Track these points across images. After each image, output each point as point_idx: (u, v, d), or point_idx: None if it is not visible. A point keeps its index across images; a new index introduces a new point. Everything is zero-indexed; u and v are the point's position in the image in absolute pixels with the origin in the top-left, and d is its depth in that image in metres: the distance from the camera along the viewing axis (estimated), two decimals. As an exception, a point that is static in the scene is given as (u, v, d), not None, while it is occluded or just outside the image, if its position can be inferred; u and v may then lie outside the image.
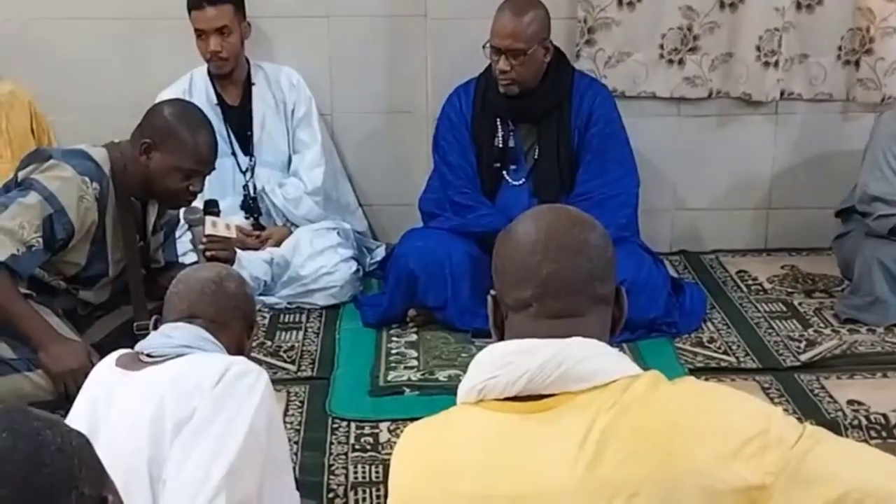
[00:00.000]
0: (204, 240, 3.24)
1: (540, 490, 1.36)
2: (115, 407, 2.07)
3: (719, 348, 3.56)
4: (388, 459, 1.61)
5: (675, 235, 4.44)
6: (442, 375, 3.39)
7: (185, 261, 3.39)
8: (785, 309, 3.86)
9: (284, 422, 2.94)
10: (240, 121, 4.14)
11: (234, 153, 4.12)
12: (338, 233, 4.07)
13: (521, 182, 3.80)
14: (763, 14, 4.12)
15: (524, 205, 3.48)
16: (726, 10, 4.16)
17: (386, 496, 1.55)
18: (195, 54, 4.03)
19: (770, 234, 4.44)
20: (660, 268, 3.75)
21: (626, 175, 3.79)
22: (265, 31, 4.30)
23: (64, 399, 2.72)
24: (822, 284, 4.06)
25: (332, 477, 2.85)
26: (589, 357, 1.42)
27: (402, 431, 1.60)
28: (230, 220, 3.50)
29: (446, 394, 2.78)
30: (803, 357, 3.48)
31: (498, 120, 3.80)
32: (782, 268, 4.24)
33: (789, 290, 4.03)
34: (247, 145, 4.15)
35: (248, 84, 4.15)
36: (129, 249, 3.06)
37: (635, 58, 4.21)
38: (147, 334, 2.24)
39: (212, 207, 3.39)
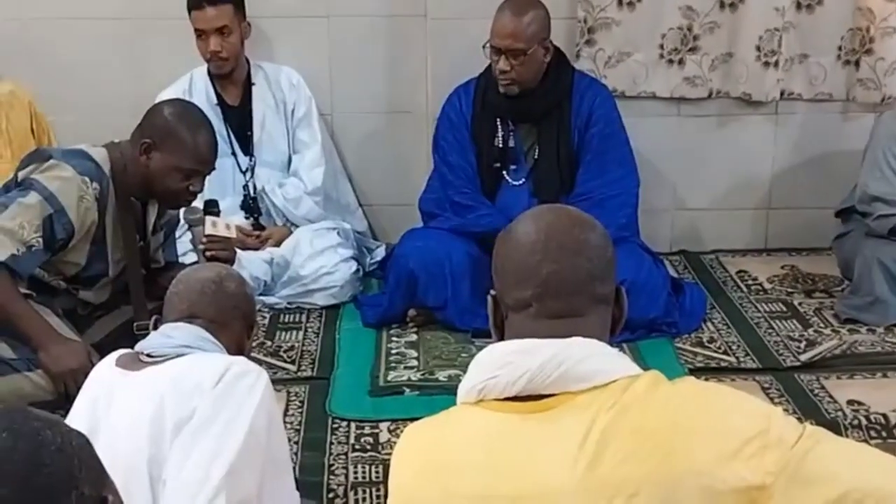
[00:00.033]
0: (204, 240, 3.24)
1: (540, 490, 1.36)
2: (115, 407, 2.07)
3: (719, 348, 3.56)
4: (388, 459, 1.61)
5: (675, 235, 4.44)
6: (442, 375, 3.39)
7: (185, 261, 3.39)
8: (785, 309, 3.86)
9: (284, 422, 2.94)
10: (240, 121, 4.14)
11: (234, 153, 4.12)
12: (338, 233, 4.07)
13: (521, 182, 3.80)
14: (763, 14, 4.12)
15: (524, 205, 3.48)
16: (726, 9, 4.16)
17: (386, 496, 1.55)
18: (195, 54, 4.03)
19: (770, 234, 4.44)
20: (660, 268, 3.75)
21: (626, 175, 3.79)
22: (265, 31, 4.30)
23: (64, 399, 2.71)
24: (822, 284, 4.06)
25: (332, 477, 2.85)
26: (589, 357, 1.42)
27: (402, 431, 1.60)
28: (230, 220, 3.50)
29: (446, 394, 2.78)
30: (803, 357, 3.48)
31: (498, 120, 3.80)
32: (782, 268, 4.24)
33: (789, 290, 4.03)
34: (247, 145, 4.15)
35: (248, 84, 4.15)
36: (129, 249, 3.06)
37: (635, 58, 4.21)
38: (147, 334, 2.24)
39: (212, 207, 3.39)
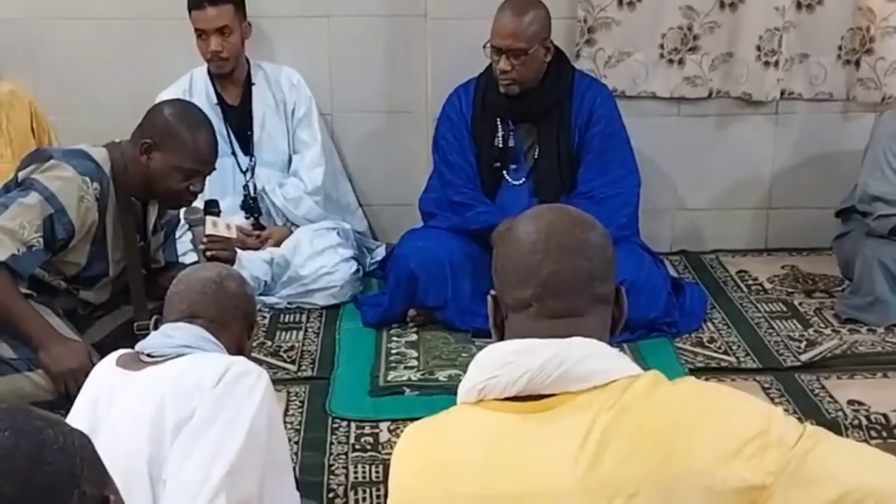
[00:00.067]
0: (204, 240, 3.25)
1: (540, 490, 1.36)
2: (115, 407, 2.07)
3: (719, 348, 3.56)
4: (389, 459, 1.61)
5: (676, 235, 4.44)
6: (442, 375, 3.39)
7: (185, 261, 3.39)
8: (785, 309, 3.86)
9: (285, 422, 2.94)
10: (240, 121, 4.14)
11: (234, 153, 4.12)
12: (338, 233, 4.07)
13: (521, 182, 3.80)
14: (763, 14, 4.12)
15: (524, 204, 3.49)
16: (726, 9, 4.16)
17: (386, 496, 1.55)
18: (195, 54, 4.03)
19: (770, 233, 4.44)
20: (660, 268, 3.75)
21: (627, 174, 3.79)
22: (265, 31, 4.30)
23: (64, 399, 2.72)
24: (822, 284, 4.06)
25: (332, 477, 2.85)
26: (589, 357, 1.42)
27: (402, 431, 1.60)
28: (230, 220, 3.51)
29: (446, 394, 2.78)
30: (804, 357, 3.48)
31: (498, 120, 3.79)
32: (783, 268, 4.24)
33: (789, 290, 4.03)
34: (247, 145, 4.15)
35: (248, 84, 4.15)
36: (130, 249, 3.06)
37: (635, 57, 4.21)
38: (147, 334, 2.24)
39: (212, 207, 3.39)
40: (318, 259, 3.93)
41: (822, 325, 3.71)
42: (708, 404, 1.38)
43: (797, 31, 4.18)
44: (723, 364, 3.46)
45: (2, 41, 4.21)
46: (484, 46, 3.67)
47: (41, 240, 2.84)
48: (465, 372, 1.50)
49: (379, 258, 4.16)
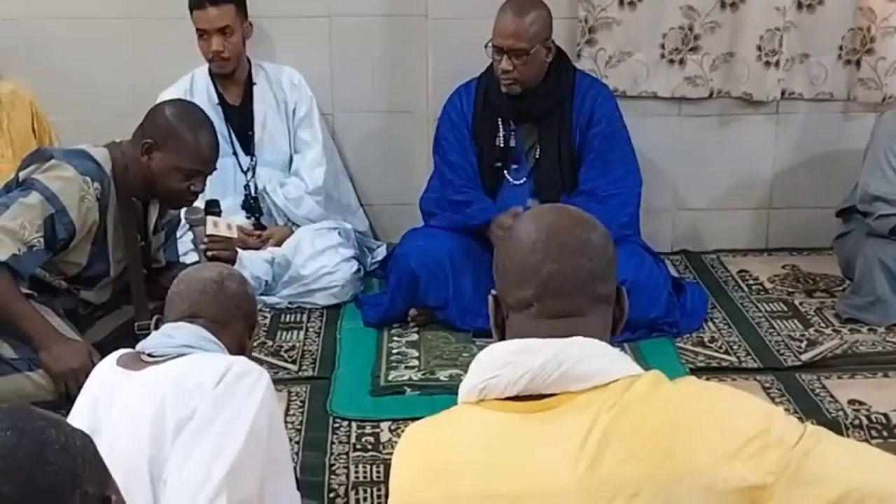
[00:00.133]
0: (205, 240, 3.25)
1: (541, 490, 1.36)
2: (115, 407, 2.07)
3: (720, 348, 3.56)
4: (389, 459, 1.60)
5: (676, 235, 4.44)
6: (443, 375, 3.39)
7: (186, 261, 3.39)
8: (786, 309, 3.86)
9: (285, 422, 2.94)
10: (241, 120, 4.14)
11: (235, 153, 4.12)
12: (339, 232, 4.07)
13: (522, 182, 3.80)
14: (764, 14, 4.12)
15: (525, 204, 3.49)
16: (727, 9, 4.16)
17: (387, 496, 1.55)
18: (196, 54, 4.03)
19: (771, 233, 4.44)
20: (661, 267, 3.75)
21: (629, 174, 3.79)
22: (266, 31, 4.30)
23: (65, 399, 2.72)
24: (823, 284, 4.06)
25: (333, 477, 2.85)
26: (590, 357, 1.42)
27: (402, 431, 1.60)
28: (231, 220, 3.51)
29: (447, 393, 2.78)
30: (804, 357, 3.48)
31: (499, 119, 3.80)
32: (783, 267, 4.24)
33: (790, 289, 4.03)
34: (248, 145, 4.15)
35: (249, 84, 4.15)
36: (131, 249, 3.06)
37: (636, 57, 4.21)
38: (148, 334, 2.24)
39: (213, 207, 3.39)
40: (319, 259, 3.93)
41: (822, 324, 3.71)
42: (709, 404, 1.38)
43: (798, 31, 4.18)
44: (724, 364, 3.46)
45: (2, 41, 4.21)
46: (486, 46, 3.68)
47: (42, 240, 2.84)
48: (465, 372, 1.50)
49: (380, 258, 4.16)
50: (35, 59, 4.26)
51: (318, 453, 2.94)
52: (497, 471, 1.39)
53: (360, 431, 3.07)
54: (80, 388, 2.20)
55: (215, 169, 3.12)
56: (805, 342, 3.58)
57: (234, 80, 4.12)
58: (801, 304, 3.90)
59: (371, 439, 3.02)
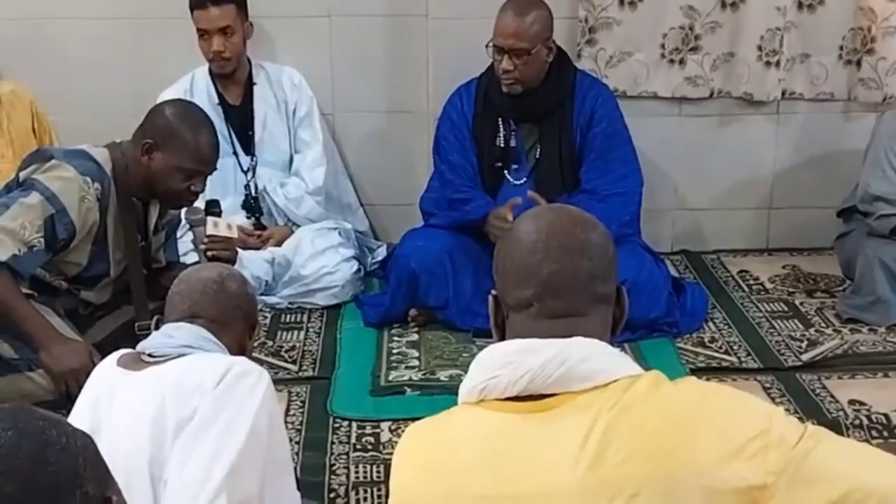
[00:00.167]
0: (205, 240, 3.24)
1: (541, 490, 1.36)
2: (116, 407, 2.07)
3: (720, 348, 3.56)
4: (390, 459, 1.60)
5: (677, 235, 4.44)
6: (443, 375, 3.39)
7: (186, 261, 3.39)
8: (786, 309, 3.86)
9: (286, 422, 2.94)
10: (241, 120, 4.14)
11: (235, 153, 4.12)
12: (339, 232, 4.07)
13: (522, 181, 3.80)
14: (764, 14, 4.12)
15: (525, 204, 3.49)
16: (727, 9, 4.16)
17: (387, 496, 1.55)
18: (196, 54, 4.03)
19: (771, 233, 4.44)
20: (661, 267, 3.75)
21: (630, 174, 3.79)
22: (267, 31, 4.30)
23: (65, 399, 2.72)
24: (823, 284, 4.06)
25: (333, 477, 2.85)
26: (590, 357, 1.42)
27: (403, 431, 1.60)
28: (231, 220, 3.50)
29: (447, 393, 2.78)
30: (805, 357, 3.48)
31: (500, 119, 3.80)
32: (784, 267, 4.24)
33: (791, 289, 4.03)
34: (248, 145, 4.15)
35: (249, 84, 4.15)
36: (131, 249, 3.06)
37: (636, 57, 4.21)
38: (148, 334, 2.24)
39: (213, 207, 3.39)
40: (320, 259, 3.93)
41: (823, 324, 3.71)
42: (709, 404, 1.38)
43: (798, 31, 4.18)
44: (724, 364, 3.46)
45: (2, 41, 4.21)
46: (486, 46, 3.68)
47: (42, 240, 2.84)
48: (466, 372, 1.50)
49: (380, 258, 4.16)
50: (35, 60, 4.26)
51: (318, 453, 2.94)
52: (497, 471, 1.39)
53: (360, 431, 3.07)
54: (80, 388, 2.20)
55: (215, 169, 3.12)
56: (805, 342, 3.58)
57: (235, 80, 4.12)
58: (801, 304, 3.90)
59: (371, 439, 3.02)
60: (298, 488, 2.24)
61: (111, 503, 1.24)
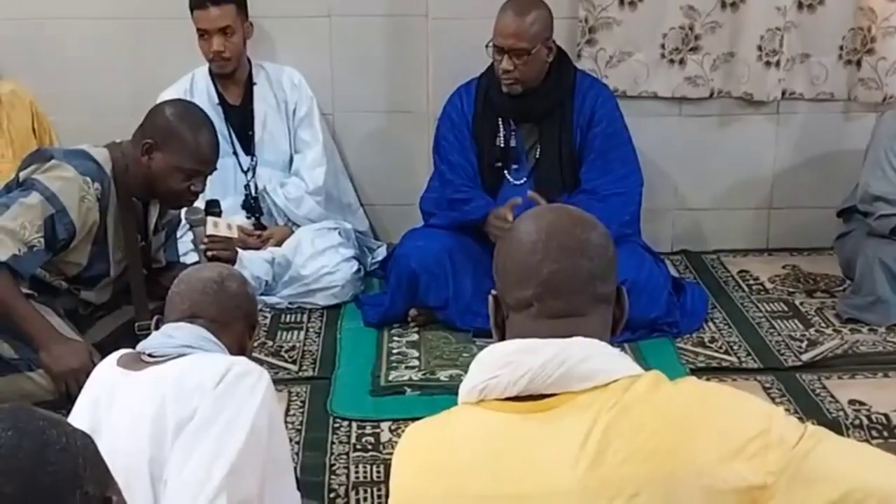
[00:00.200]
0: (205, 240, 3.24)
1: (541, 490, 1.36)
2: (116, 407, 2.07)
3: (720, 348, 3.56)
4: (390, 459, 1.60)
5: (677, 235, 4.44)
6: (443, 375, 3.39)
7: (186, 261, 3.39)
8: (786, 309, 3.86)
9: (286, 422, 2.94)
10: (241, 120, 4.14)
11: (235, 153, 4.12)
12: (339, 232, 4.07)
13: (522, 181, 3.80)
14: (764, 14, 4.12)
15: (525, 204, 3.49)
16: (727, 9, 4.16)
17: (387, 496, 1.55)
18: (196, 54, 4.03)
19: (771, 233, 4.44)
20: (661, 267, 3.75)
21: (630, 174, 3.80)
22: (267, 31, 4.30)
23: (65, 399, 2.72)
24: (823, 284, 4.06)
25: (333, 477, 2.85)
26: (590, 357, 1.42)
27: (403, 431, 1.60)
28: (231, 220, 3.50)
29: (447, 393, 2.78)
30: (805, 357, 3.48)
31: (499, 119, 3.80)
32: (784, 267, 4.24)
33: (791, 289, 4.03)
34: (248, 145, 4.15)
35: (249, 84, 4.15)
36: (131, 249, 3.06)
37: (636, 57, 4.21)
38: (148, 334, 2.24)
39: (213, 207, 3.39)
40: (320, 259, 3.93)
41: (823, 324, 3.71)
42: (709, 404, 1.38)
43: (798, 31, 4.18)
44: (724, 364, 3.46)
45: (2, 41, 4.21)
46: (486, 46, 3.68)
47: (42, 240, 2.84)
48: (466, 372, 1.50)
49: (380, 258, 4.16)
50: (35, 60, 4.26)
51: (318, 453, 2.94)
52: (497, 471, 1.39)
53: (360, 431, 3.07)
54: (80, 388, 2.20)
55: (215, 169, 3.12)
56: (805, 342, 3.58)
57: (235, 80, 4.12)
58: (801, 304, 3.90)
59: (371, 439, 3.02)
60: (298, 488, 2.24)
61: (111, 503, 1.24)
